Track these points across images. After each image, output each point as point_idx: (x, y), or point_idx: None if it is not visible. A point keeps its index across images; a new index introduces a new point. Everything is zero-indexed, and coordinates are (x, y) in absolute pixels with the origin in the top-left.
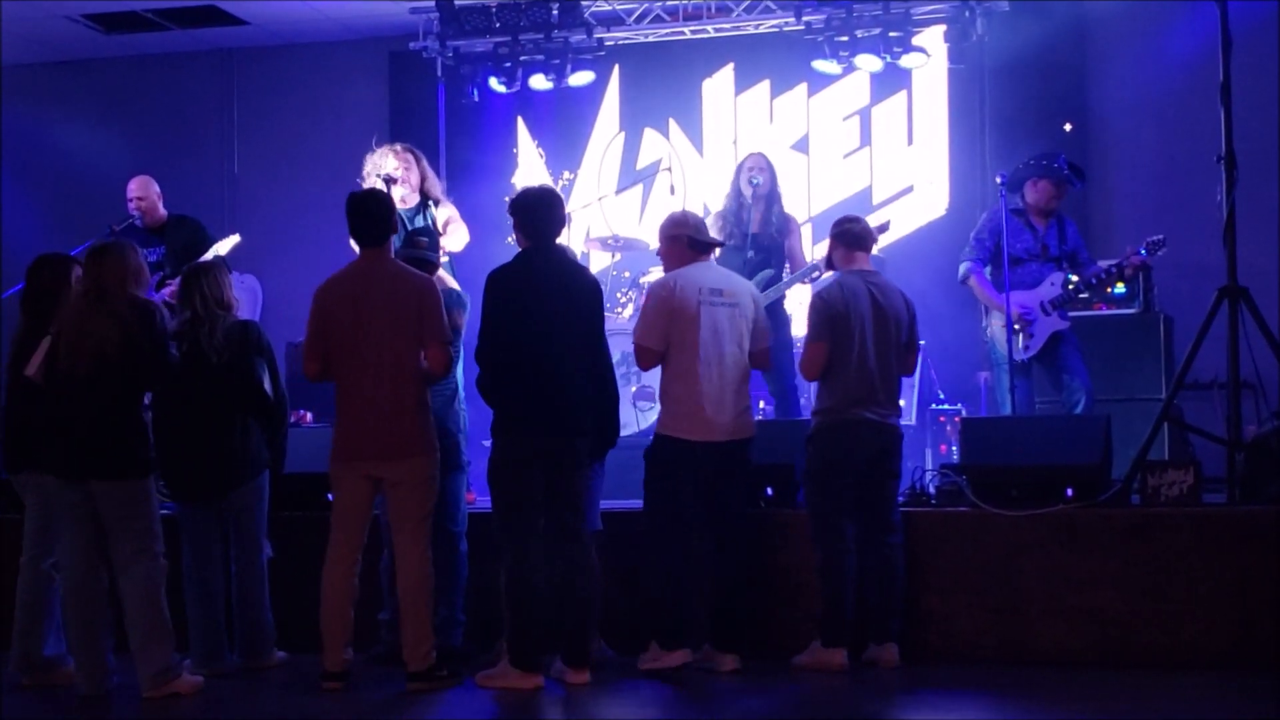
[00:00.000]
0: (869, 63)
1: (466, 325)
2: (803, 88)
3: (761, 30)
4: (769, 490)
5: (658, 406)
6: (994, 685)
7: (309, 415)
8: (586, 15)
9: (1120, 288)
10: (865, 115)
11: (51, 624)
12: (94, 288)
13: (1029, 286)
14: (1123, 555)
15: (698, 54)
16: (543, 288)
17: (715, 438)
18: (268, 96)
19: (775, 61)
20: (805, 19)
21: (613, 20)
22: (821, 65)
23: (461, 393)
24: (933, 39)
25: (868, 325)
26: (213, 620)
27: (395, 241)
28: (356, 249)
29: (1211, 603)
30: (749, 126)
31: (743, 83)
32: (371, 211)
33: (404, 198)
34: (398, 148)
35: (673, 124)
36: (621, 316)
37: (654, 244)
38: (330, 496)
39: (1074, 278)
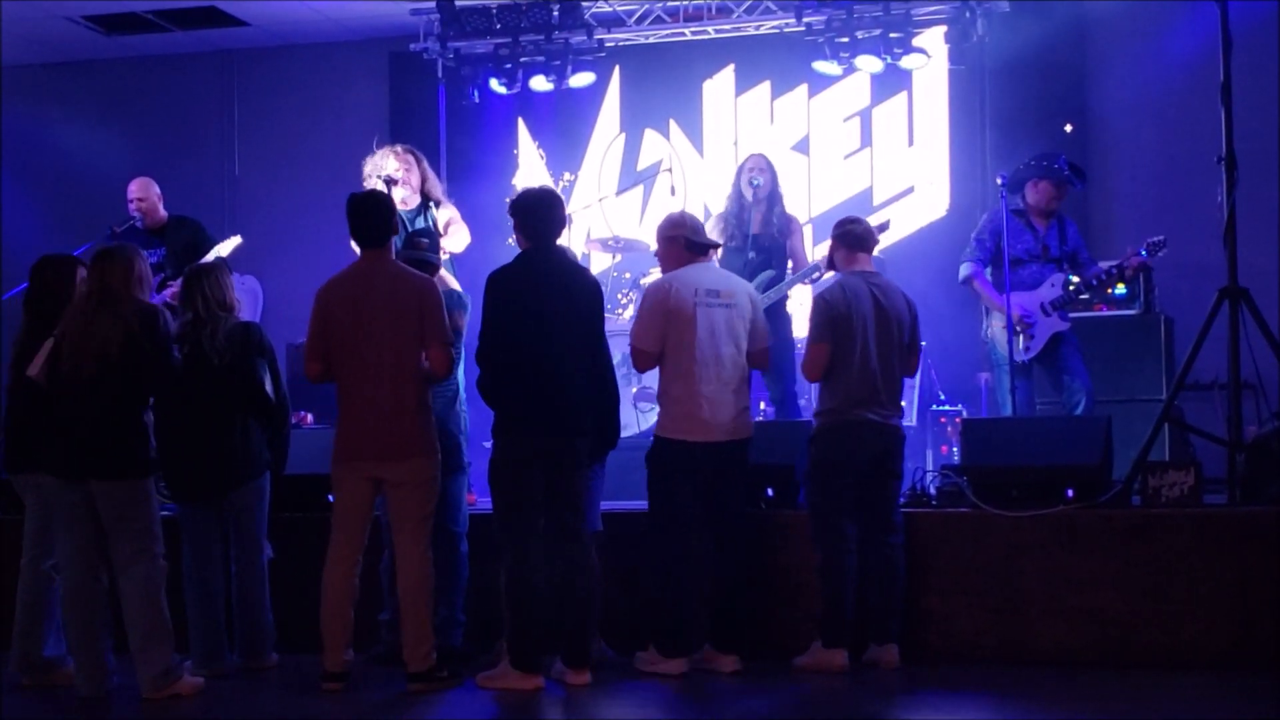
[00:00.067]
0: (869, 64)
1: (467, 326)
2: (803, 89)
3: (762, 31)
4: (769, 491)
5: (658, 408)
6: (994, 685)
7: (310, 417)
8: (587, 16)
9: (1121, 289)
10: (866, 116)
11: (51, 625)
12: (99, 290)
13: (1029, 287)
14: (1123, 556)
15: (698, 55)
16: (543, 289)
17: (714, 438)
18: (268, 97)
19: (776, 62)
20: (806, 20)
21: (613, 21)
22: (822, 66)
23: (463, 394)
24: (933, 40)
25: (870, 326)
26: (213, 621)
27: (396, 243)
28: (357, 250)
29: (1212, 603)
30: (749, 127)
31: (743, 84)
32: (372, 213)
33: (405, 199)
34: (398, 149)
35: (673, 125)
36: (622, 317)
37: (654, 245)
38: (331, 498)
39: (1074, 279)
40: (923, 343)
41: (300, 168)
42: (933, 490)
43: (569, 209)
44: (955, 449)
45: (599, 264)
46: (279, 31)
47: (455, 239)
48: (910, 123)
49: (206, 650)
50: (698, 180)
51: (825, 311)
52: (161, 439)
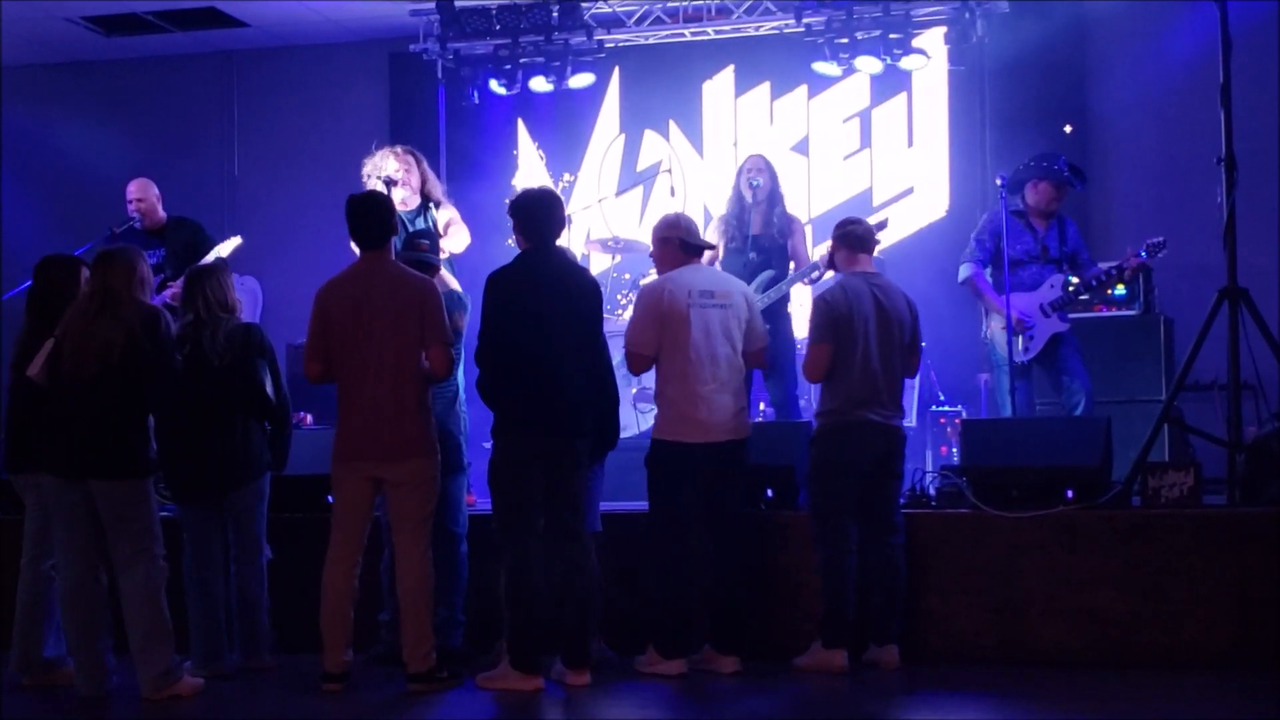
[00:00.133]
0: (869, 64)
1: (467, 327)
2: (803, 89)
3: (762, 32)
4: (769, 492)
5: (656, 409)
6: (994, 685)
7: (309, 417)
8: (586, 17)
9: (1120, 289)
10: (865, 117)
11: (51, 625)
12: (101, 291)
13: (1029, 288)
14: (1123, 556)
15: (698, 56)
16: (542, 289)
17: (712, 439)
18: (268, 98)
19: (775, 63)
20: (805, 21)
21: (613, 22)
22: (821, 67)
23: (463, 394)
24: (933, 40)
25: (871, 327)
26: (213, 621)
27: (396, 243)
28: (357, 251)
29: (1212, 603)
30: (749, 128)
31: (743, 84)
32: (371, 214)
33: (405, 200)
34: (398, 150)
35: (673, 126)
36: (621, 318)
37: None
38: (330, 498)
39: (1074, 280)
40: (923, 343)
41: (300, 168)
42: (932, 491)
43: (569, 209)
44: (955, 450)
45: (599, 264)
46: (279, 32)
47: (455, 240)
48: (910, 123)
49: (206, 651)
50: (697, 181)
51: (826, 312)
52: (162, 440)
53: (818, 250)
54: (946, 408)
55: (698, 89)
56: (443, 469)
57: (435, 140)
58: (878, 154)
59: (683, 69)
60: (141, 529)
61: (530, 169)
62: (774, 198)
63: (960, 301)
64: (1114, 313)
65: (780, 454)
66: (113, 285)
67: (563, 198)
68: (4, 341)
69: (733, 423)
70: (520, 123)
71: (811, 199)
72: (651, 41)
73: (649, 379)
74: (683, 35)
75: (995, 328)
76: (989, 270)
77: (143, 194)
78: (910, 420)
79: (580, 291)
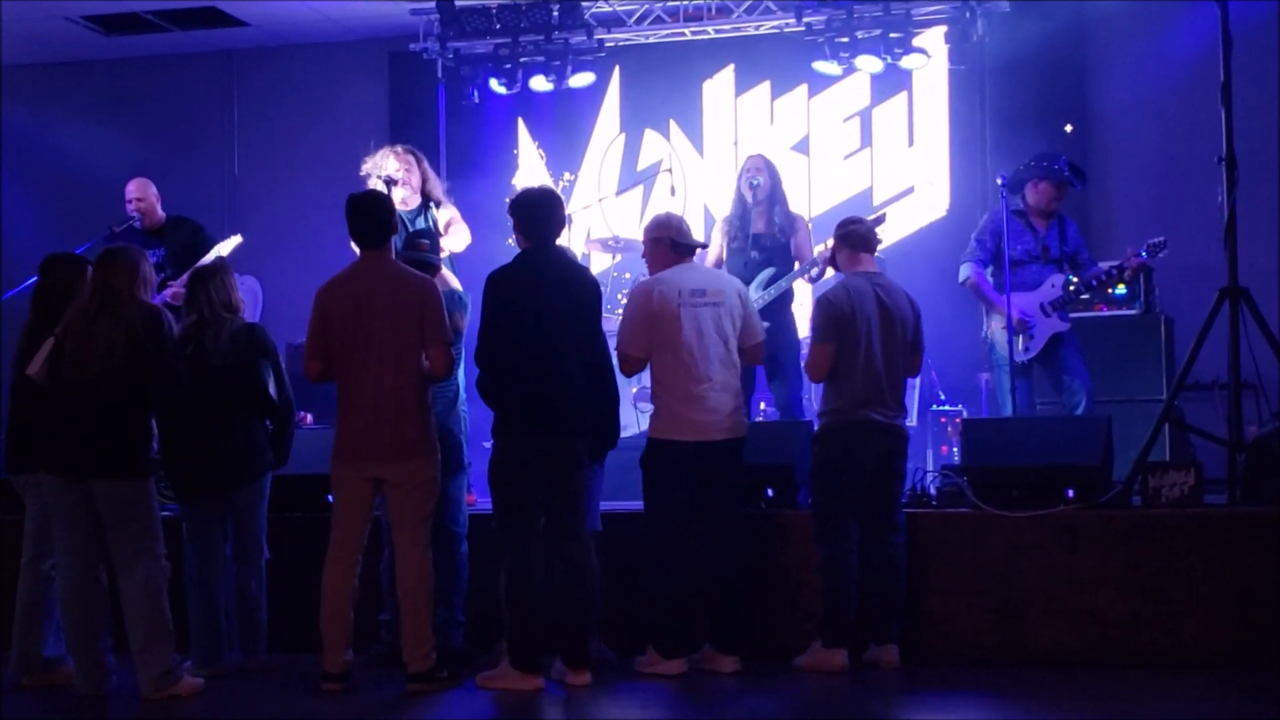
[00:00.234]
0: (869, 64)
1: (467, 326)
2: (803, 89)
3: (762, 31)
4: (769, 491)
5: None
6: (994, 685)
7: (309, 417)
8: (587, 16)
9: (1121, 289)
10: (866, 116)
11: (51, 625)
12: (102, 291)
13: (1029, 288)
14: (1123, 556)
15: (698, 55)
16: (542, 289)
17: (707, 438)
18: (268, 97)
19: (776, 62)
20: (806, 20)
21: (613, 21)
22: (822, 66)
23: (463, 394)
24: (933, 40)
25: (874, 326)
26: (213, 621)
27: (396, 243)
28: (357, 250)
29: (1212, 603)
30: (749, 128)
31: (743, 84)
32: (371, 213)
33: (405, 199)
34: (399, 149)
35: (673, 125)
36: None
37: None
38: (331, 498)
39: (1074, 279)
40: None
41: (300, 168)
42: (933, 490)
43: (569, 209)
44: (955, 449)
45: (599, 264)
46: (279, 31)
47: (456, 239)
48: (910, 123)
49: (207, 650)
50: (698, 180)
51: (829, 312)
52: (164, 439)
53: (818, 249)
54: (947, 407)
55: (698, 88)
56: (443, 469)
57: (435, 139)
58: (878, 153)
59: (683, 68)
60: (142, 529)
61: (530, 168)
62: (775, 197)
63: (961, 301)
64: (1114, 312)
65: (780, 453)
66: (114, 285)
67: (563, 197)
68: (4, 341)
69: (728, 422)
70: (520, 122)
71: (812, 198)
72: (652, 41)
73: (649, 378)
74: (683, 34)
75: (996, 327)
76: (990, 270)
77: (142, 193)
78: (911, 420)
79: (580, 291)
